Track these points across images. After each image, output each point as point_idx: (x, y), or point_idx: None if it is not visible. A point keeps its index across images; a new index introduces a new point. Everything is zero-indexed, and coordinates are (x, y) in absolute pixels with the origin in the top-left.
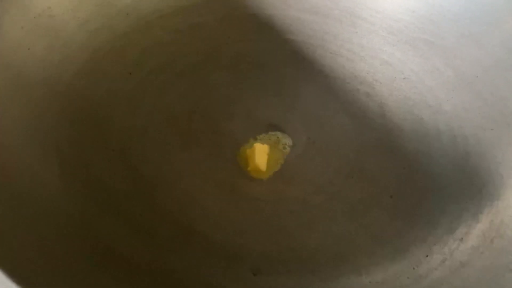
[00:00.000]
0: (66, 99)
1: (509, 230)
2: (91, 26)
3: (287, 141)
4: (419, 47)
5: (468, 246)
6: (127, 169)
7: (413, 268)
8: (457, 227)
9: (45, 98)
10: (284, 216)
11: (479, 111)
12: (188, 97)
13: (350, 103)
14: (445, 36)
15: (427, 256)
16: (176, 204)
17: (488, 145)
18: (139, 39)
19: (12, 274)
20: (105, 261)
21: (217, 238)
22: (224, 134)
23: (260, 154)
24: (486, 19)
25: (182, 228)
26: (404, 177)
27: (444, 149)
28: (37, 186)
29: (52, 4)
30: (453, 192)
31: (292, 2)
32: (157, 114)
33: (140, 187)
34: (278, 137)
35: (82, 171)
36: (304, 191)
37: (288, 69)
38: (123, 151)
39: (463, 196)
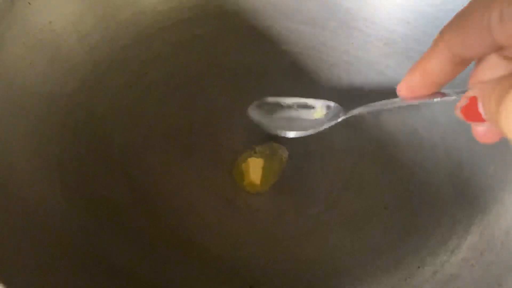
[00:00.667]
0: (67, 112)
1: (499, 243)
2: (92, 39)
3: (284, 152)
4: (414, 58)
5: (459, 258)
6: (128, 181)
7: (405, 280)
8: (449, 239)
9: (47, 112)
10: (281, 228)
11: None
12: (188, 109)
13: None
14: None
15: (419, 267)
16: (175, 216)
17: (480, 158)
18: (139, 51)
19: None
20: (106, 275)
21: (216, 251)
22: (223, 145)
23: (255, 169)
24: None
25: (181, 240)
26: (400, 189)
27: (439, 161)
28: (40, 202)
29: (54, 18)
30: (446, 204)
31: (290, 14)
32: (157, 126)
33: (140, 200)
34: (275, 149)
35: (84, 185)
36: (301, 203)
37: (286, 79)
38: (124, 164)
39: (455, 208)
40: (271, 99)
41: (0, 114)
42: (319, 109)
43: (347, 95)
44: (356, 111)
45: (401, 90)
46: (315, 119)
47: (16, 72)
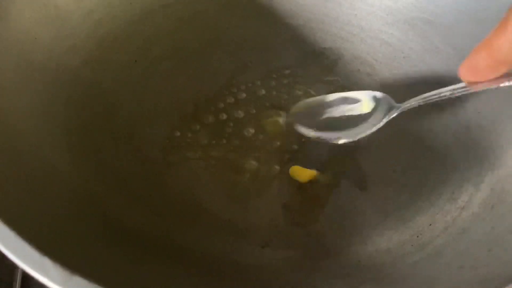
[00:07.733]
0: (74, 86)
1: (509, 196)
2: (95, 15)
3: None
4: (418, 26)
5: (469, 213)
6: (135, 153)
7: (417, 236)
8: (459, 197)
9: (54, 86)
10: (291, 192)
11: None
12: (192, 82)
13: (352, 84)
14: (443, 14)
15: (430, 224)
16: (183, 184)
17: (487, 119)
18: (143, 27)
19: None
20: (116, 237)
21: (225, 215)
22: (229, 116)
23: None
24: None
25: (190, 206)
26: (408, 153)
27: (446, 124)
28: (48, 168)
29: None
30: (455, 164)
31: None
32: (163, 100)
33: (148, 169)
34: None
35: (91, 155)
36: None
37: (289, 53)
38: (130, 136)
39: (464, 167)
40: (308, 101)
41: (7, 85)
42: (365, 103)
43: (352, 66)
44: (412, 103)
45: (463, 72)
46: (364, 114)
47: (21, 46)
